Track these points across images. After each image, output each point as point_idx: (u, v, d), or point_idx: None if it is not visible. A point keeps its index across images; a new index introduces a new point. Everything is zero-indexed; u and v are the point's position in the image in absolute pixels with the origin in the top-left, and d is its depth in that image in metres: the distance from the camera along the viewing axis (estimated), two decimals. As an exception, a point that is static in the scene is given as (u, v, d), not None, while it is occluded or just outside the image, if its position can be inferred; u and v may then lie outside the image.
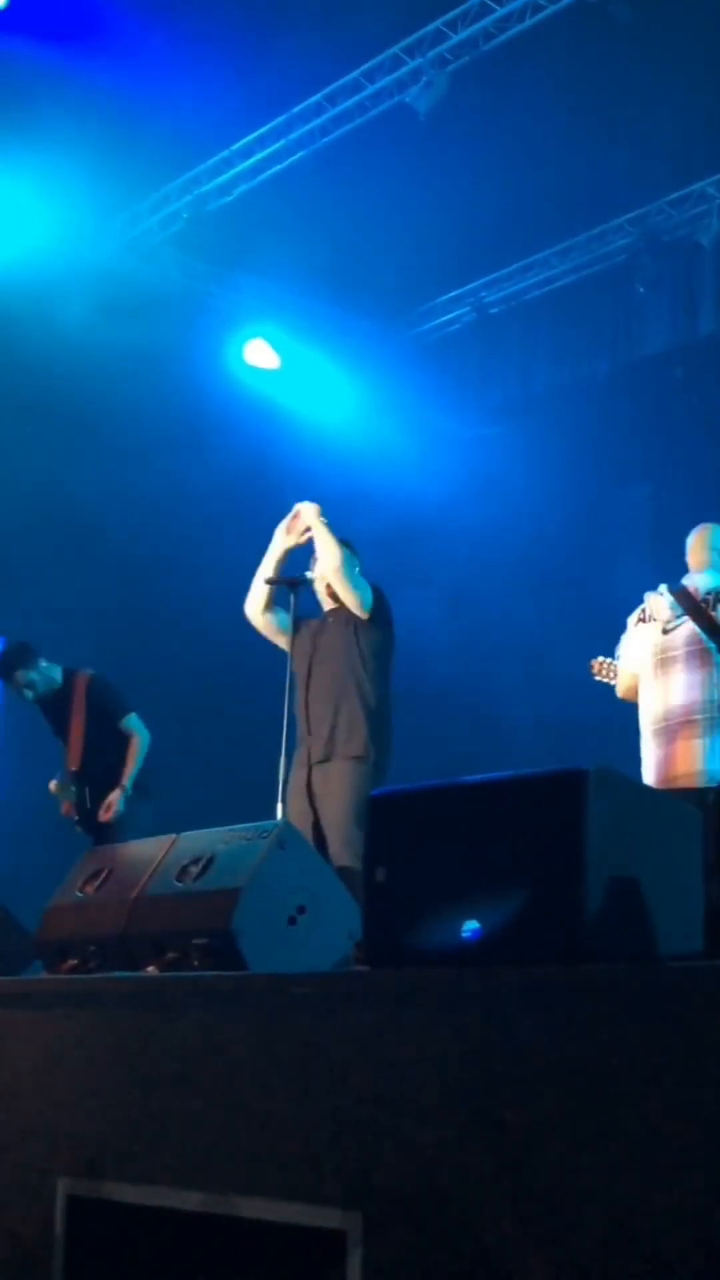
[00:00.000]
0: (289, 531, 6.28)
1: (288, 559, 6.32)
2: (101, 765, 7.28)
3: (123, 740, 7.32)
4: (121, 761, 7.27)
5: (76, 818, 7.28)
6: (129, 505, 9.97)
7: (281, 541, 6.29)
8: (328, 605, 6.28)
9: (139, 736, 7.34)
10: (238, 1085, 3.25)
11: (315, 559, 6.26)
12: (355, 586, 6.11)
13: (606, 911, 2.83)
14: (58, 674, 7.48)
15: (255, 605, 6.35)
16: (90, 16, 8.30)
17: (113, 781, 7.24)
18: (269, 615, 6.34)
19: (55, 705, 7.47)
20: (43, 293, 9.68)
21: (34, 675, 7.41)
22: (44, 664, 7.45)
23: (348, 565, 6.11)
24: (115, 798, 7.18)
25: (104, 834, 7.00)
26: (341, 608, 6.20)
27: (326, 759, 5.97)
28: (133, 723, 7.36)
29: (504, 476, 11.38)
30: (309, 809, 5.93)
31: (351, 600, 6.10)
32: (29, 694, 7.43)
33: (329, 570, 6.11)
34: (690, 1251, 2.43)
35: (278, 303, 11.38)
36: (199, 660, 9.78)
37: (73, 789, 7.22)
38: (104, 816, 7.19)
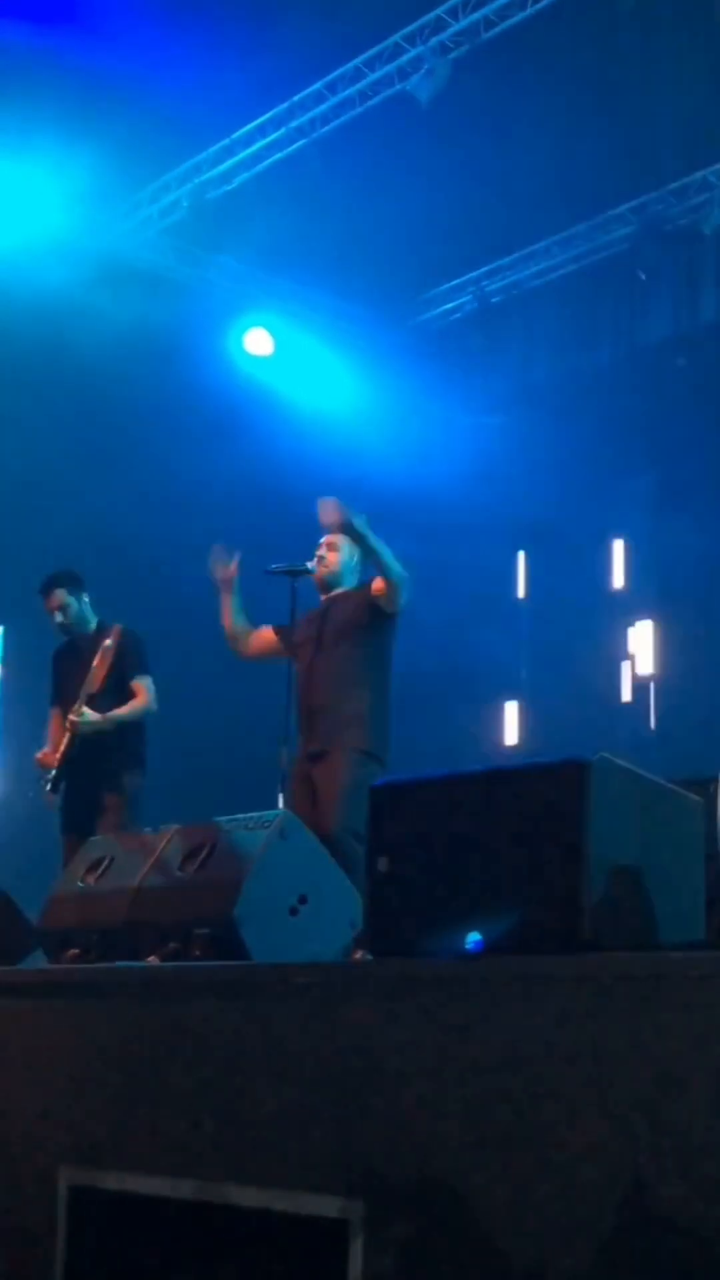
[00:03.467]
0: (223, 572, 6.24)
1: (238, 587, 6.28)
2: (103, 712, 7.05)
3: (126, 699, 7.10)
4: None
5: (52, 773, 6.84)
6: (127, 495, 9.95)
7: (226, 581, 6.26)
8: (325, 595, 6.27)
9: (146, 696, 7.08)
10: (239, 1075, 3.25)
11: (318, 557, 6.22)
12: (405, 590, 6.00)
13: (608, 900, 2.83)
14: (93, 620, 7.25)
15: (241, 648, 6.37)
16: (90, 4, 8.28)
17: (113, 744, 7.01)
18: (261, 651, 6.35)
19: (72, 652, 7.27)
20: (43, 280, 9.66)
21: (72, 602, 7.18)
22: (87, 601, 7.28)
23: (401, 572, 5.98)
24: (79, 710, 6.92)
25: (114, 805, 6.82)
26: (341, 597, 6.18)
27: (326, 750, 5.96)
28: (145, 682, 7.03)
29: (505, 465, 11.37)
30: (309, 799, 5.92)
31: (397, 601, 6.03)
32: (58, 618, 7.13)
33: (392, 577, 5.96)
34: (693, 1243, 2.43)
35: (278, 292, 11.36)
36: (198, 649, 9.77)
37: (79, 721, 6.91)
38: (71, 717, 6.92)
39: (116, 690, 6.98)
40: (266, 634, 6.34)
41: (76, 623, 7.20)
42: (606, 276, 10.94)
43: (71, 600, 7.17)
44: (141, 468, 10.01)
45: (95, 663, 6.95)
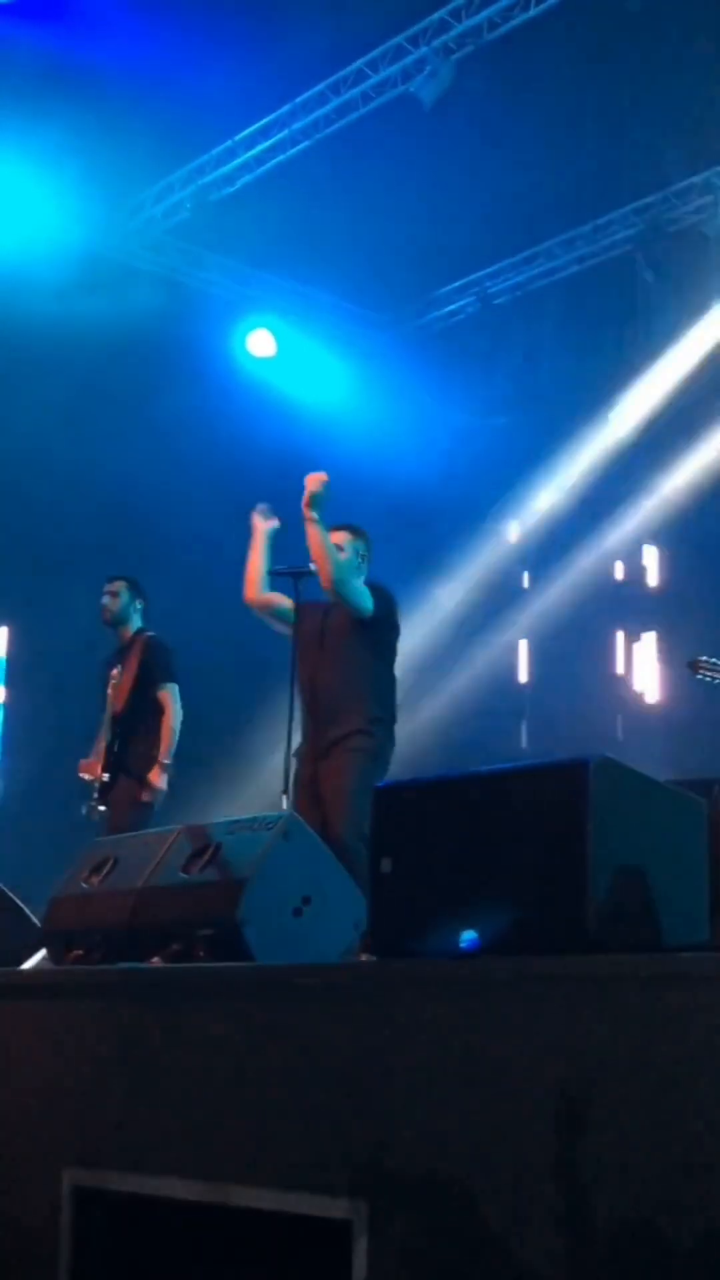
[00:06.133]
0: (259, 519, 6.31)
1: (273, 542, 6.32)
2: (131, 726, 7.21)
3: (157, 709, 7.27)
4: (153, 730, 7.20)
5: (99, 783, 7.08)
6: (128, 496, 9.96)
7: (260, 531, 6.31)
8: (329, 595, 6.26)
9: (173, 709, 7.26)
10: (243, 1076, 3.25)
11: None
12: (352, 596, 6.02)
13: (611, 901, 2.83)
14: (136, 624, 7.56)
15: (251, 593, 6.35)
16: (94, 6, 8.29)
17: (142, 751, 7.17)
18: (268, 604, 6.33)
19: (116, 657, 7.51)
20: (46, 280, 9.67)
21: (125, 595, 7.57)
22: (140, 607, 7.58)
23: (340, 576, 5.99)
24: (156, 776, 7.10)
25: (127, 812, 6.93)
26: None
27: (330, 751, 5.96)
28: (170, 690, 7.29)
29: (508, 466, 11.38)
30: (313, 801, 5.92)
31: (352, 608, 6.05)
32: (105, 600, 7.56)
33: (324, 584, 6.03)
34: (700, 1243, 2.43)
35: (282, 293, 11.37)
36: (201, 648, 9.78)
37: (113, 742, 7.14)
38: (144, 796, 7.08)
39: (141, 701, 7.18)
40: (279, 598, 6.33)
41: (118, 617, 7.58)
42: (609, 278, 10.94)
43: (124, 594, 7.60)
44: (143, 468, 10.01)
45: (125, 673, 7.19)
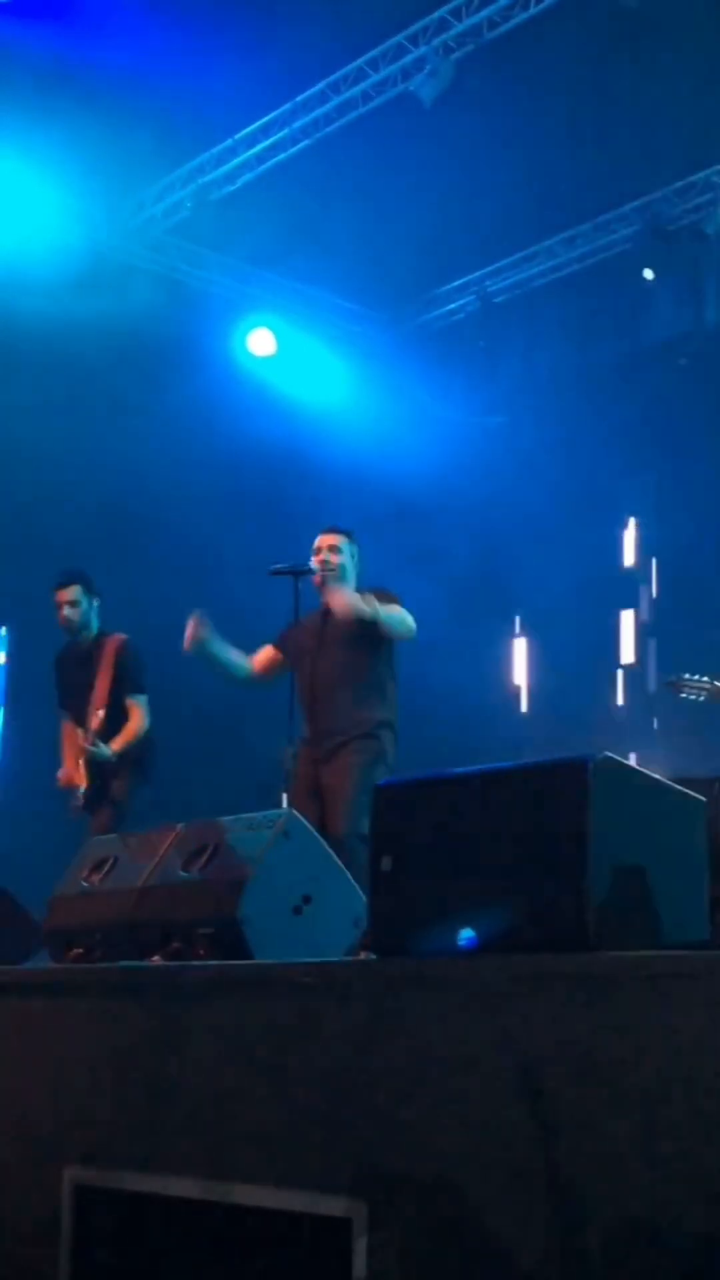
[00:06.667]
0: (194, 634, 6.20)
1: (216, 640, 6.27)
2: (113, 732, 7.13)
3: (126, 715, 7.16)
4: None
5: (83, 784, 6.97)
6: (129, 496, 9.96)
7: (199, 642, 6.23)
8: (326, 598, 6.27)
9: (140, 717, 7.13)
10: (243, 1074, 3.26)
11: (321, 559, 6.23)
12: (402, 631, 6.08)
13: (611, 900, 2.83)
14: (96, 626, 7.30)
15: (249, 681, 6.39)
16: (94, 5, 8.28)
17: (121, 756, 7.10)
18: (267, 672, 6.36)
19: (77, 657, 7.30)
20: (47, 279, 9.67)
21: (83, 601, 7.19)
22: (96, 605, 7.26)
23: (386, 620, 6.00)
24: (123, 779, 7.05)
25: (104, 811, 6.90)
26: None
27: (332, 752, 5.97)
28: (140, 702, 7.13)
29: (507, 464, 11.38)
30: (314, 799, 5.92)
31: (401, 637, 6.11)
32: (66, 612, 7.18)
33: (403, 637, 6.10)
34: (696, 1243, 2.44)
35: (282, 291, 11.36)
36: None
37: (97, 747, 6.98)
38: (118, 795, 7.03)
39: (117, 711, 7.06)
40: (267, 654, 6.38)
41: (81, 624, 7.24)
42: (609, 277, 10.94)
43: (83, 600, 7.22)
44: (143, 467, 10.01)
45: (99, 678, 7.02)
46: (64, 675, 7.35)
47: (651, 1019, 2.58)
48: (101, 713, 7.00)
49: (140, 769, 7.15)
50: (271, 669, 6.37)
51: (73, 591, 7.19)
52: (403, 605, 6.12)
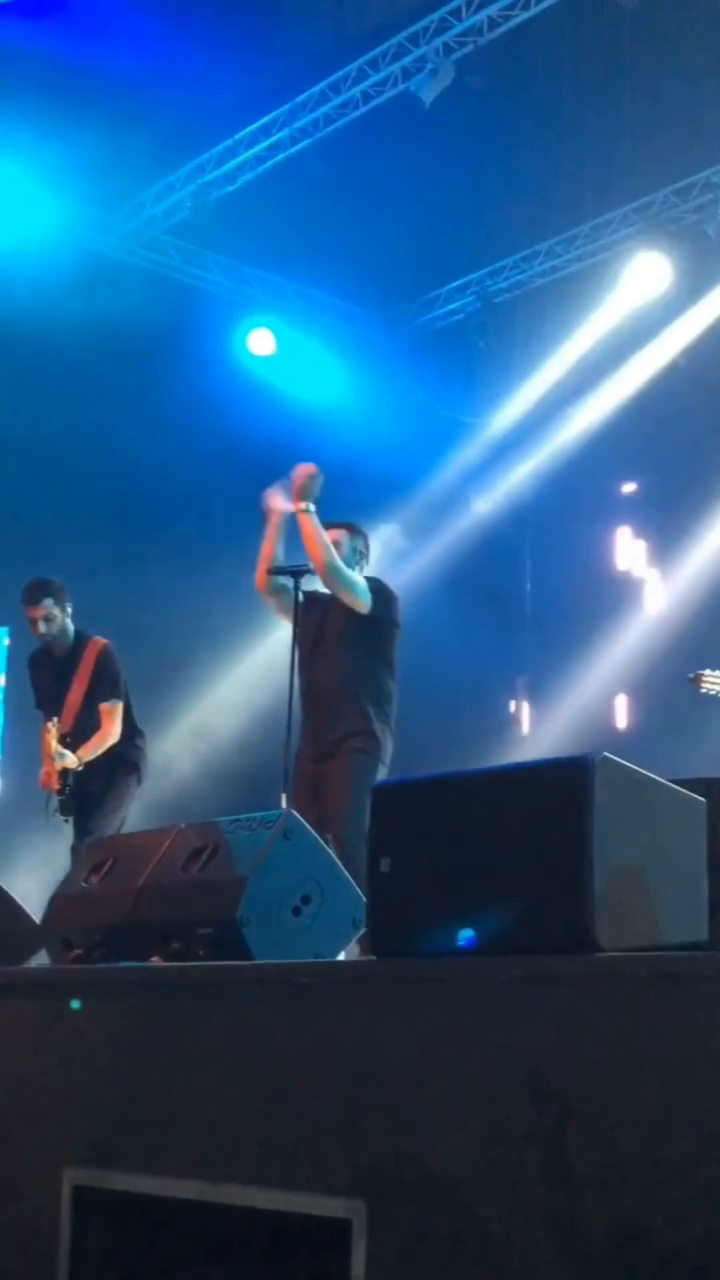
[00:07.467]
0: (274, 501, 6.23)
1: (286, 526, 6.26)
2: (84, 738, 7.08)
3: (98, 721, 7.07)
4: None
5: (57, 789, 6.93)
6: (128, 495, 9.96)
7: (275, 514, 6.25)
8: (329, 592, 6.26)
9: (113, 727, 7.01)
10: (242, 1075, 3.25)
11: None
12: (346, 585, 6.03)
13: (611, 901, 2.83)
14: (72, 631, 7.22)
15: (264, 581, 6.33)
16: (94, 5, 8.29)
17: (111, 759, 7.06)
18: (276, 594, 6.32)
19: (53, 663, 7.23)
20: (46, 279, 9.67)
21: (57, 613, 7.11)
22: (70, 612, 7.18)
23: (333, 563, 6.00)
24: (106, 781, 6.99)
25: (90, 814, 6.88)
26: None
27: (330, 751, 5.96)
28: (115, 707, 7.07)
29: (507, 465, 11.39)
30: (313, 799, 5.92)
31: (346, 599, 6.04)
32: (41, 628, 7.14)
33: (317, 570, 6.04)
34: (698, 1245, 2.43)
35: (281, 291, 11.37)
36: (201, 648, 9.78)
37: (63, 754, 6.94)
38: (101, 795, 6.98)
39: (90, 715, 7.03)
40: (290, 589, 6.31)
41: (59, 635, 7.20)
42: (609, 277, 10.93)
43: (56, 611, 7.16)
44: (143, 467, 10.01)
45: (74, 684, 6.98)
46: (39, 677, 7.34)
47: (652, 1020, 2.57)
48: (71, 720, 6.98)
49: (132, 769, 7.14)
50: (280, 596, 6.29)
51: (46, 605, 7.15)
52: (383, 594, 6.10)
